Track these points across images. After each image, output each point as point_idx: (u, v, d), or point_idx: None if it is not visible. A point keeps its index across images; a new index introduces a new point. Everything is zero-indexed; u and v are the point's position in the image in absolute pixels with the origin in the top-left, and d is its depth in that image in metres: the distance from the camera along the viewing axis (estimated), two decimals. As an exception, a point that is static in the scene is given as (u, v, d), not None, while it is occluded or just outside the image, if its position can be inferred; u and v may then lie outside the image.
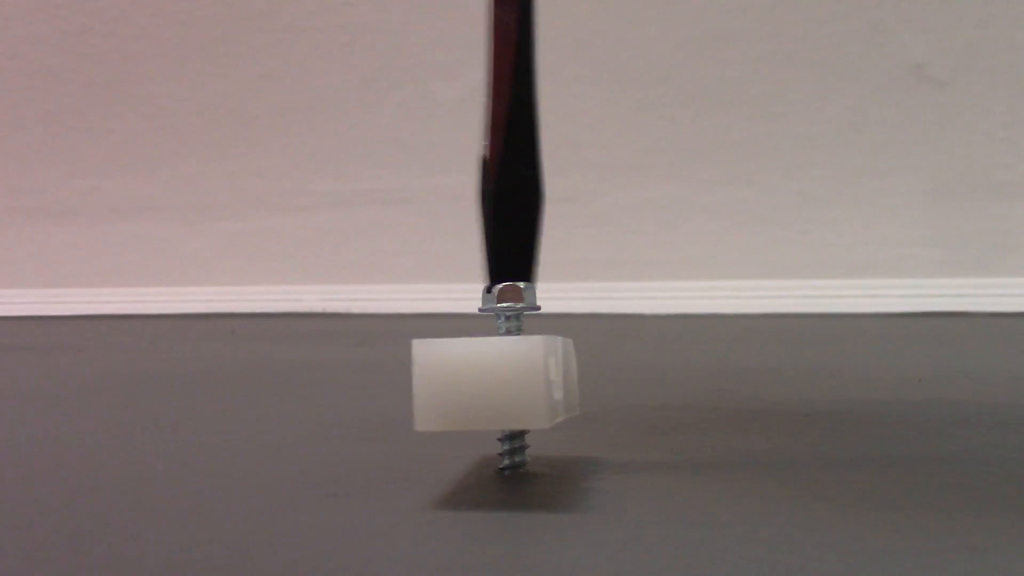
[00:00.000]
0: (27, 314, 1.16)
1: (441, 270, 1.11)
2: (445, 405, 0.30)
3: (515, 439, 0.34)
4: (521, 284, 0.34)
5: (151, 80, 1.20)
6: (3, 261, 1.23)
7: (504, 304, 0.33)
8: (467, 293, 0.34)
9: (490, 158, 0.33)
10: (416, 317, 1.05)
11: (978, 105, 1.04)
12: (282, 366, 0.68)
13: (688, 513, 0.29)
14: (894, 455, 0.37)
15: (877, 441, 0.39)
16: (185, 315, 1.12)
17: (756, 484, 0.32)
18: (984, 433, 0.40)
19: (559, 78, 1.10)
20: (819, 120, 1.06)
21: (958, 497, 0.31)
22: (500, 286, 0.34)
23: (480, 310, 0.34)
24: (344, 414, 0.47)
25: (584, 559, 0.25)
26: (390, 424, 0.43)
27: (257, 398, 0.54)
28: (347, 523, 0.29)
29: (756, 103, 1.07)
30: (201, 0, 1.18)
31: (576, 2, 1.10)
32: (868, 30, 1.05)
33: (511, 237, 0.34)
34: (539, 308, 0.34)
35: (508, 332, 0.33)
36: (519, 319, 0.34)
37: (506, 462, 0.34)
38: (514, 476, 0.33)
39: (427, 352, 0.31)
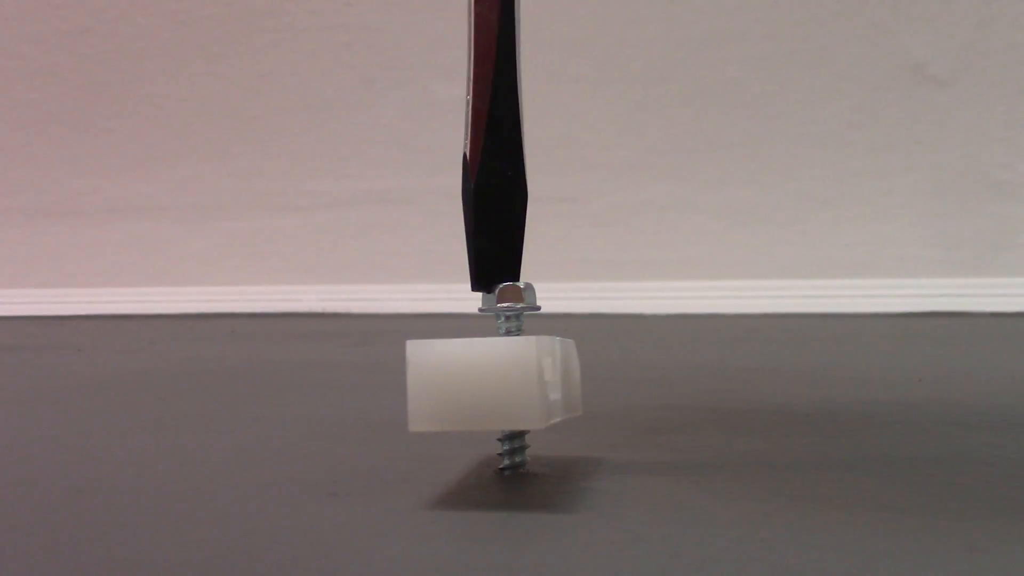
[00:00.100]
0: (27, 314, 1.16)
1: (441, 270, 1.11)
2: (439, 405, 0.30)
3: (515, 439, 0.34)
4: (521, 284, 0.34)
5: (151, 80, 1.20)
6: (3, 261, 1.23)
7: (504, 304, 0.33)
8: (467, 293, 0.34)
9: (471, 156, 0.33)
10: (415, 317, 1.05)
11: (978, 105, 1.04)
12: (282, 366, 0.68)
13: (688, 513, 0.29)
14: (894, 455, 0.37)
15: (877, 441, 0.39)
16: (185, 315, 1.12)
17: (756, 484, 0.32)
18: (984, 433, 0.40)
19: (559, 78, 1.10)
20: (819, 120, 1.06)
21: (958, 497, 0.31)
22: (501, 286, 0.33)
23: (480, 310, 0.34)
24: (344, 414, 0.47)
25: (584, 559, 0.25)
26: (390, 424, 0.43)
27: (257, 398, 0.54)
28: (347, 523, 0.29)
29: (756, 103, 1.07)
30: (201, 0, 1.18)
31: (576, 2, 1.10)
32: (868, 30, 1.05)
33: (493, 236, 0.34)
34: (539, 308, 0.34)
35: (508, 332, 0.33)
36: (519, 319, 0.33)
37: (506, 462, 0.34)
38: (514, 476, 0.33)
39: (421, 352, 0.31)
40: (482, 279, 0.34)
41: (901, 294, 1.01)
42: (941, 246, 1.04)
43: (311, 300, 1.13)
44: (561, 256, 1.10)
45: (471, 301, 0.35)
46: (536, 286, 0.34)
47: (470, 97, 0.33)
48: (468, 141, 0.33)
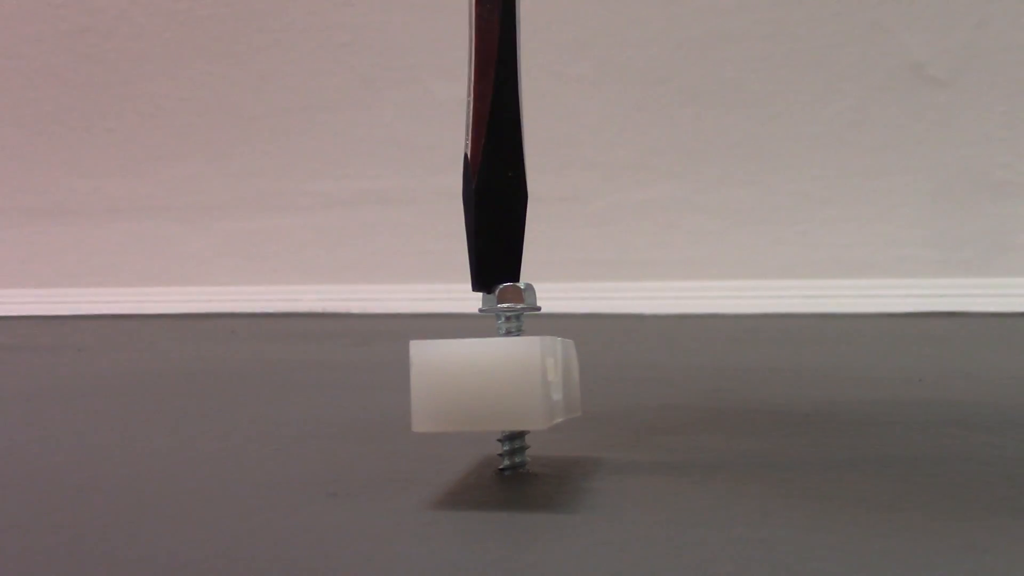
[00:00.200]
0: (27, 314, 1.16)
1: (441, 270, 1.11)
2: (442, 406, 0.30)
3: (515, 439, 0.34)
4: (521, 284, 0.34)
5: (151, 80, 1.20)
6: (3, 261, 1.23)
7: (504, 305, 0.33)
8: (467, 293, 0.34)
9: (472, 157, 0.33)
10: (416, 317, 1.05)
11: (978, 105, 1.04)
12: (282, 366, 0.68)
13: (688, 513, 0.29)
14: (894, 455, 0.37)
15: (877, 441, 0.39)
16: (185, 315, 1.12)
17: (756, 484, 0.32)
18: (984, 433, 0.40)
19: (560, 78, 1.10)
20: (819, 120, 1.06)
21: (958, 497, 0.31)
22: (501, 287, 0.34)
23: (480, 311, 0.34)
24: (344, 414, 0.47)
25: (584, 559, 0.25)
26: (390, 424, 0.43)
27: (257, 398, 0.54)
28: (347, 523, 0.29)
29: (756, 103, 1.07)
30: (201, 0, 1.18)
31: (576, 2, 1.10)
32: (868, 30, 1.05)
33: (494, 237, 0.34)
34: (540, 308, 0.34)
35: (509, 333, 0.33)
36: (520, 320, 0.34)
37: (506, 462, 0.34)
38: (514, 476, 0.34)
39: (425, 353, 0.31)
40: (482, 279, 0.34)
41: (901, 294, 1.01)
42: (941, 246, 1.05)
43: (311, 300, 1.13)
44: (561, 256, 1.10)
45: (471, 301, 0.35)
46: (536, 286, 0.34)
47: (470, 98, 0.33)
48: (469, 142, 0.33)
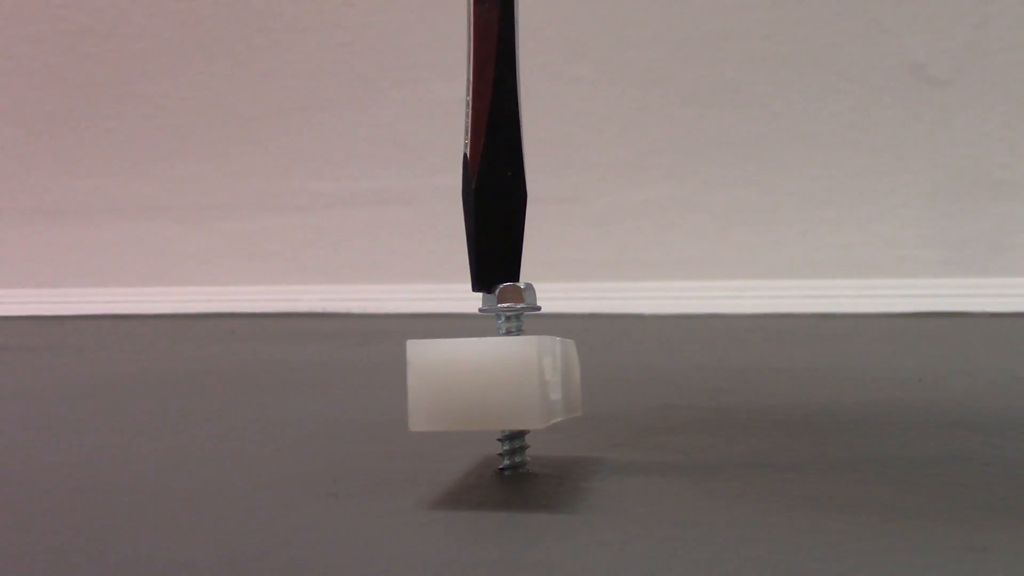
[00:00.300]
0: (27, 314, 1.16)
1: (441, 270, 1.11)
2: (439, 405, 0.30)
3: (515, 439, 0.34)
4: (521, 284, 0.34)
5: (151, 80, 1.20)
6: (3, 261, 1.23)
7: (504, 304, 0.33)
8: (467, 293, 0.34)
9: (472, 157, 0.33)
10: (416, 317, 1.05)
11: (978, 105, 1.04)
12: (282, 366, 0.68)
13: (688, 513, 0.29)
14: (894, 455, 0.37)
15: (877, 441, 0.39)
16: (185, 315, 1.12)
17: (756, 484, 0.32)
18: (984, 433, 0.40)
19: (560, 78, 1.10)
20: (819, 120, 1.06)
21: (958, 497, 0.31)
22: (501, 286, 0.34)
23: (480, 310, 0.34)
24: (344, 414, 0.47)
25: (584, 559, 0.25)
26: (390, 424, 0.43)
27: (257, 398, 0.54)
28: (347, 523, 0.29)
29: (756, 103, 1.07)
30: (201, 0, 1.18)
31: (576, 2, 1.10)
32: (868, 30, 1.05)
33: (494, 237, 0.34)
34: (539, 308, 0.34)
35: (508, 332, 0.33)
36: (519, 319, 0.34)
37: (506, 462, 0.34)
38: (514, 476, 0.34)
39: (421, 352, 0.31)
40: (482, 279, 0.34)
41: (901, 294, 1.01)
42: (941, 246, 1.05)
43: (311, 300, 1.13)
44: (561, 256, 1.10)
45: (471, 301, 0.35)
46: (536, 286, 0.34)
47: (470, 98, 0.33)
48: (468, 142, 0.34)
